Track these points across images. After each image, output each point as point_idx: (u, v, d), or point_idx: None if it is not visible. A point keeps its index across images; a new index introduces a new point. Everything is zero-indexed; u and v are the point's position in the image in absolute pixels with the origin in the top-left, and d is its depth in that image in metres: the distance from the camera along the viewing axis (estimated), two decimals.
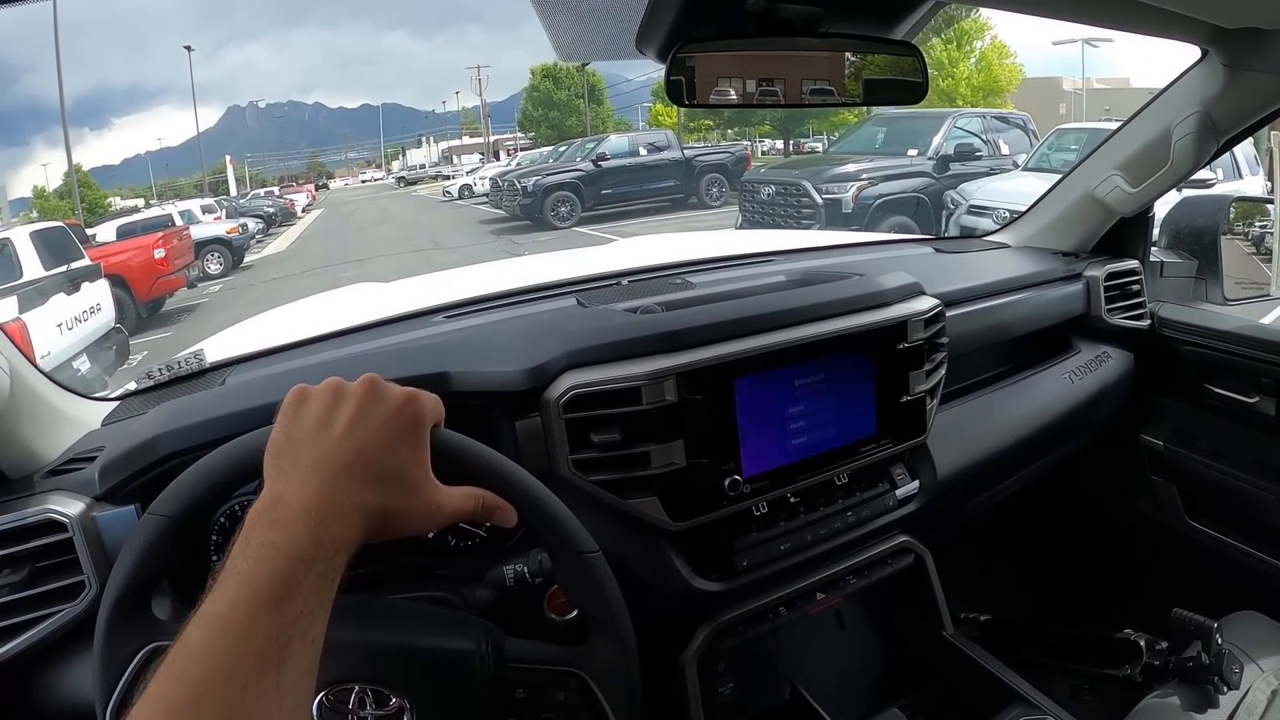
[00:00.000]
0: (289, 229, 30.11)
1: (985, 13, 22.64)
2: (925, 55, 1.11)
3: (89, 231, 17.79)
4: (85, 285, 8.56)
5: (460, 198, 32.33)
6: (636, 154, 19.71)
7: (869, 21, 1.14)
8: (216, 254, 18.23)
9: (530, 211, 18.57)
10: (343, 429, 0.70)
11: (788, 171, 12.26)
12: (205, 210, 23.80)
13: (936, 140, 11.60)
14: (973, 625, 1.75)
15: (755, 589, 1.28)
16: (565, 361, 1.16)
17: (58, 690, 1.03)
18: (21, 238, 9.05)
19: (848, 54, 1.10)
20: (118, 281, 12.61)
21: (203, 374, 1.44)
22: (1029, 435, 1.63)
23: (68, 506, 1.03)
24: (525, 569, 1.05)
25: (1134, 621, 1.54)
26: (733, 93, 1.06)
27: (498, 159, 57.24)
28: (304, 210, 39.68)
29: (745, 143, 26.79)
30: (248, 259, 20.17)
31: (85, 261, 9.83)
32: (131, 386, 1.47)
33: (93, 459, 1.12)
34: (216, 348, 1.58)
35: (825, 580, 1.35)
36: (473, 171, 37.17)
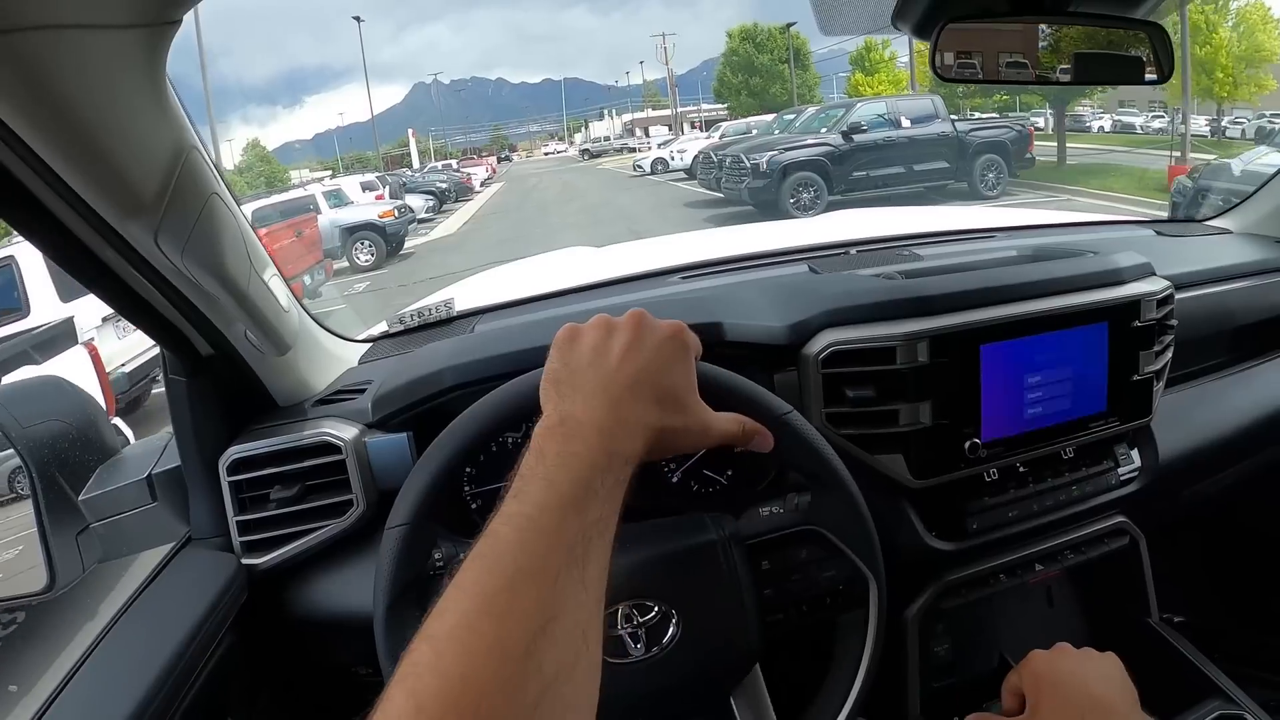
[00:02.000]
0: (463, 206, 27.43)
1: None
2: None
3: None
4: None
5: (653, 173, 28.82)
6: (897, 125, 15.01)
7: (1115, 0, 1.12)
8: (366, 242, 15.18)
9: (762, 196, 14.38)
10: (620, 355, 0.73)
11: None
12: (366, 188, 20.40)
13: None
14: (1168, 626, 1.58)
15: (981, 553, 1.30)
16: (825, 319, 1.20)
17: (309, 600, 1.13)
18: (28, 256, 6.32)
19: (1095, 32, 1.11)
20: None
21: (450, 321, 1.57)
22: (1249, 427, 1.55)
23: (342, 431, 1.14)
24: (781, 511, 1.01)
25: None
26: (981, 69, 1.08)
27: (683, 131, 53.34)
28: (482, 184, 36.94)
29: (1027, 116, 21.36)
30: (412, 243, 17.27)
31: None
32: (383, 328, 1.60)
33: (360, 391, 1.24)
34: (462, 296, 1.67)
35: (1044, 552, 1.35)
36: (665, 144, 33.15)
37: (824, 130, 14.97)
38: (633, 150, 57.25)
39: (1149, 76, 1.12)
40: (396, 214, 15.55)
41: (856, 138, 14.45)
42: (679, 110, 78.41)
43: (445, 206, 26.36)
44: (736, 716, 0.88)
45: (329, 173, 59.60)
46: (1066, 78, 1.10)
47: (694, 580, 0.87)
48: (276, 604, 1.13)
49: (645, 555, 0.87)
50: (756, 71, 43.38)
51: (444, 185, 27.78)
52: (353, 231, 14.87)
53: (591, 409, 0.69)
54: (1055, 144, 19.33)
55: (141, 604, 1.03)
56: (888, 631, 1.01)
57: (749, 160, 14.29)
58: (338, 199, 16.58)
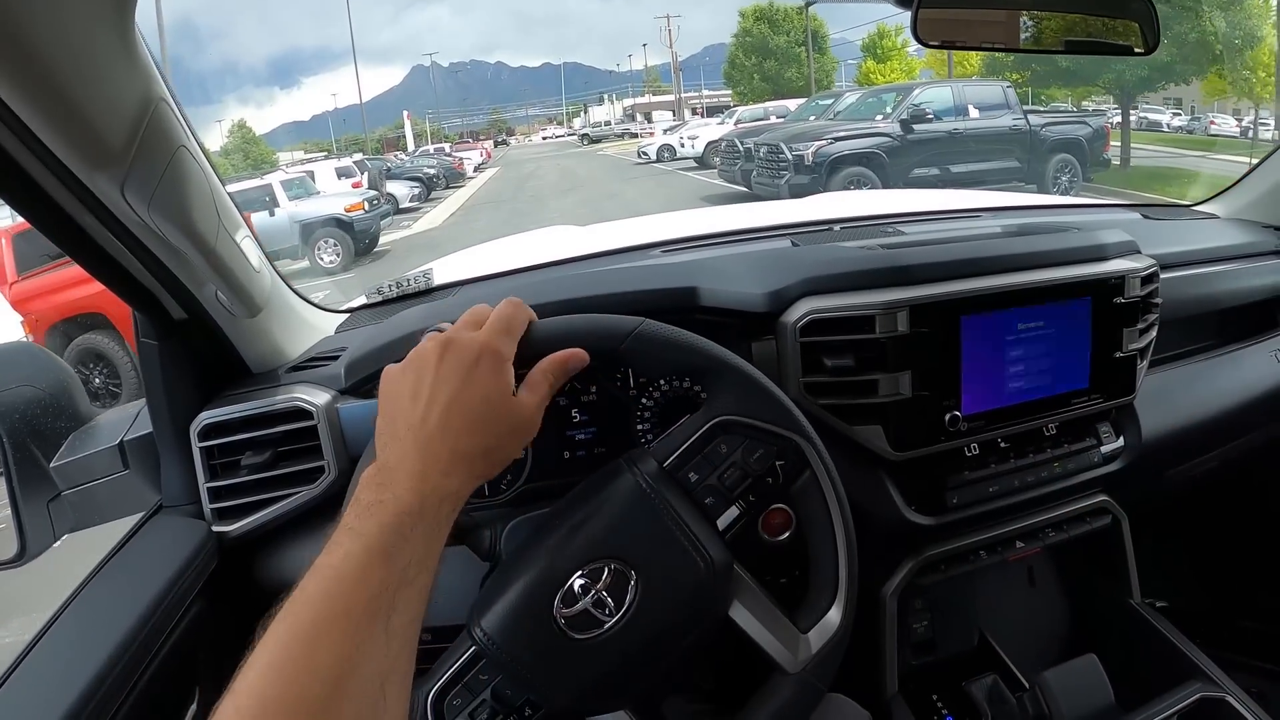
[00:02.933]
0: (453, 194, 25.14)
1: None
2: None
3: None
4: None
5: (659, 160, 26.42)
6: (965, 114, 12.43)
7: None
8: (330, 240, 12.82)
9: (805, 193, 10.83)
10: (428, 393, 0.72)
11: None
12: (342, 174, 18.00)
13: None
14: (1150, 608, 1.59)
15: (961, 528, 1.29)
16: (803, 288, 1.18)
17: (279, 568, 1.12)
18: None
19: (1083, 3, 1.17)
20: (96, 323, 7.27)
21: (430, 292, 1.53)
22: (1232, 410, 1.56)
23: (314, 397, 1.11)
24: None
25: None
26: (971, 37, 1.14)
27: (685, 117, 51.13)
28: (476, 169, 34.54)
29: (1104, 109, 18.84)
30: (390, 237, 15.00)
31: None
32: (361, 300, 1.56)
33: (333, 358, 1.22)
34: (442, 269, 1.62)
35: (1025, 530, 1.36)
36: (672, 130, 30.57)
37: (879, 118, 12.38)
38: (634, 136, 55.73)
39: (1137, 49, 1.18)
40: (367, 206, 13.11)
41: (918, 128, 11.92)
42: (682, 95, 76.06)
43: (434, 194, 24.11)
44: (742, 626, 0.82)
45: (324, 154, 58.69)
46: (1055, 46, 1.17)
47: (630, 525, 0.81)
48: (246, 572, 1.12)
49: (574, 524, 0.82)
50: (771, 54, 40.06)
51: (432, 171, 25.26)
52: (314, 228, 12.51)
53: (404, 455, 0.69)
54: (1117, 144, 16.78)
55: (109, 570, 1.02)
56: (865, 608, 0.97)
57: (791, 150, 11.64)
58: (302, 189, 14.22)
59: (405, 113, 76.85)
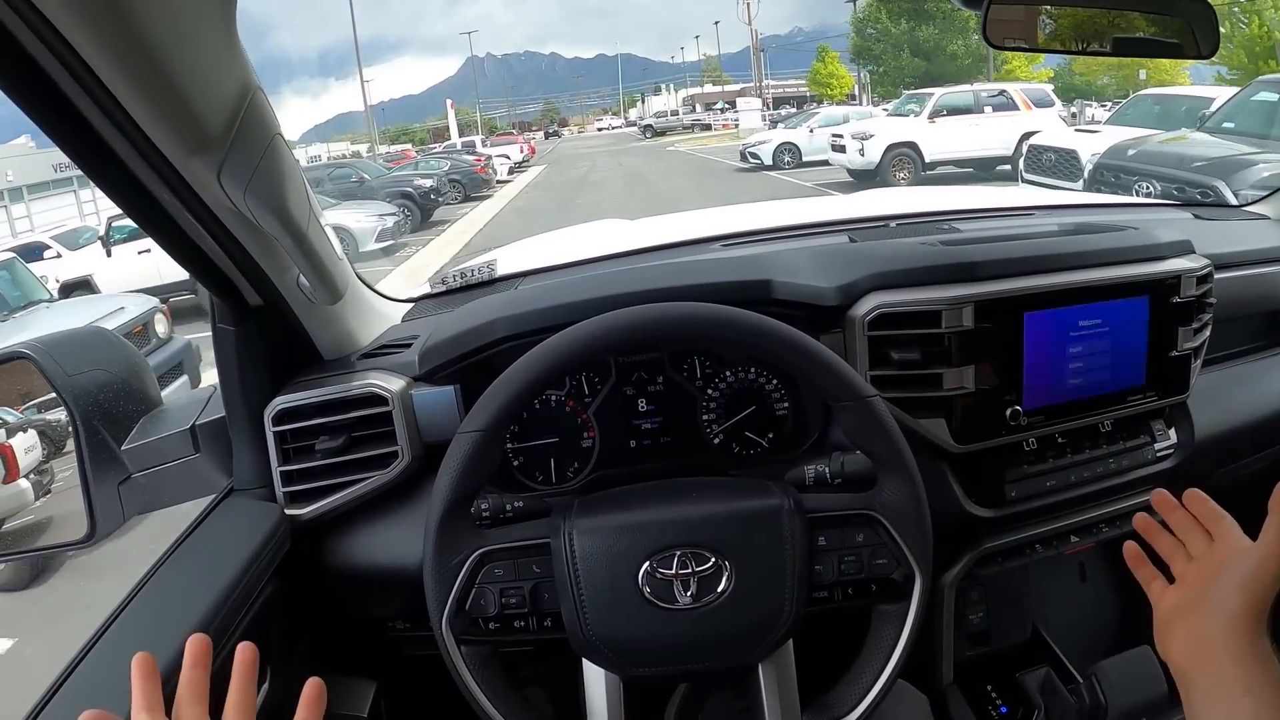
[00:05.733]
0: (466, 214, 16.34)
1: None
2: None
3: None
4: None
5: (774, 165, 17.72)
6: None
7: None
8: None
9: None
10: None
11: None
12: None
13: None
14: None
15: (1018, 521, 1.27)
16: (872, 282, 1.17)
17: (350, 552, 1.10)
18: None
19: (1149, 5, 1.13)
20: None
21: (493, 283, 1.49)
22: None
23: (389, 383, 1.09)
24: (826, 469, 1.03)
25: None
26: (1047, 38, 1.13)
27: (768, 107, 42.34)
28: (511, 172, 25.33)
29: None
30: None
31: None
32: (426, 289, 1.51)
33: (406, 345, 1.20)
34: (504, 260, 1.57)
35: (1080, 524, 1.33)
36: (791, 122, 21.04)
37: None
38: (706, 128, 46.70)
39: (1194, 49, 1.14)
40: (159, 332, 4.25)
41: None
42: (744, 86, 67.28)
43: (435, 218, 15.53)
44: (762, 686, 0.85)
45: (365, 146, 55.43)
46: (1108, 48, 1.14)
47: (753, 541, 0.85)
48: (318, 555, 1.10)
49: (709, 509, 0.87)
50: (928, 17, 28.55)
51: (428, 184, 16.25)
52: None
53: None
54: None
55: (185, 551, 1.02)
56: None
57: None
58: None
59: (449, 102, 68.68)
